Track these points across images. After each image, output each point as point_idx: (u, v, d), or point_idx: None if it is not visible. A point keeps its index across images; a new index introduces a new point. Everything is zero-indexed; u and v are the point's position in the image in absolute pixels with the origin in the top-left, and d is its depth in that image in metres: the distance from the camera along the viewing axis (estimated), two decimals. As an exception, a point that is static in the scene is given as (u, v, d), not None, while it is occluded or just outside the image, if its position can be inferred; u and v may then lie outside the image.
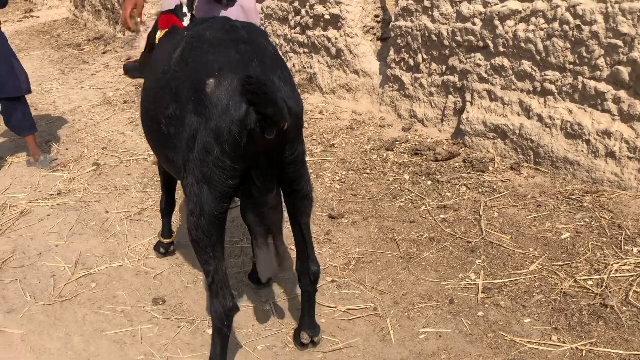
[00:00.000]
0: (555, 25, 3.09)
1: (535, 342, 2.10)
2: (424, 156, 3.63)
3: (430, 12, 3.79)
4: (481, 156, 3.50)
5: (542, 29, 3.16)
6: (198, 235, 1.79)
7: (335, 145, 4.00)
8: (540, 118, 3.26)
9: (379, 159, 3.71)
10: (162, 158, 2.11)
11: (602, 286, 2.32)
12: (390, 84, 4.30)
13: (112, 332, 2.39)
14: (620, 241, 2.57)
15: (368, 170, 3.58)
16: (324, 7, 4.68)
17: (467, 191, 3.18)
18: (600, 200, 2.89)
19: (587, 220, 2.76)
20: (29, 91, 4.16)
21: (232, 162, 1.66)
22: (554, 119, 3.19)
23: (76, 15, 11.45)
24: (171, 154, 1.91)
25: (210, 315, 1.93)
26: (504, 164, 3.39)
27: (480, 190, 3.17)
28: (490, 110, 3.54)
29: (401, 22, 4.03)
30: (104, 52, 8.31)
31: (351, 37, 4.57)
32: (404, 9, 3.98)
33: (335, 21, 4.63)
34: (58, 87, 6.59)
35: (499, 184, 3.21)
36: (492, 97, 3.53)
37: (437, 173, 3.42)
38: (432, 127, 4.01)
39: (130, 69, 2.82)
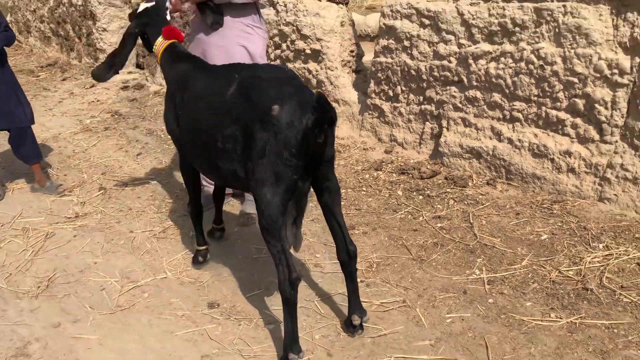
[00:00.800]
0: (522, 64, 3.75)
1: (539, 320, 2.66)
2: (410, 175, 4.19)
3: (409, 51, 4.39)
4: (460, 174, 4.10)
5: (510, 67, 3.82)
6: (269, 222, 2.31)
7: (328, 167, 4.47)
8: (510, 141, 3.90)
9: (371, 178, 4.23)
10: (211, 168, 2.66)
11: (581, 275, 2.93)
12: (371, 112, 4.85)
13: (181, 332, 2.74)
14: (588, 239, 3.21)
15: (365, 188, 4.09)
16: (305, 43, 5.19)
17: (455, 203, 3.75)
18: (566, 207, 3.54)
19: (559, 224, 3.39)
20: (34, 122, 4.39)
21: (297, 161, 2.25)
22: (522, 142, 3.84)
23: (20, 40, 11.34)
24: (224, 163, 2.50)
25: (280, 288, 2.35)
26: (480, 180, 4.00)
27: (465, 202, 3.75)
28: (465, 134, 4.16)
29: (382, 59, 4.61)
30: (64, 79, 8.41)
31: (332, 70, 5.10)
32: (385, 48, 4.55)
33: (316, 55, 5.14)
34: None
35: (480, 197, 3.81)
36: (467, 123, 4.15)
37: (426, 189, 3.97)
38: (411, 149, 4.59)
39: (100, 73, 3.14)
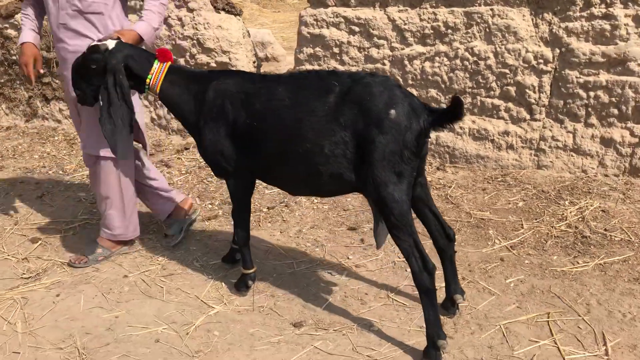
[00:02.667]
0: (457, 61, 4.31)
1: (574, 267, 3.21)
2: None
3: (339, 57, 4.64)
4: (410, 164, 4.51)
5: (445, 65, 4.35)
6: (399, 220, 2.46)
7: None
8: (451, 129, 4.44)
9: (332, 181, 4.38)
10: (301, 176, 2.67)
11: (572, 227, 3.58)
12: (295, 119, 4.96)
13: (295, 357, 2.63)
14: (553, 199, 3.90)
15: (333, 191, 4.24)
16: (209, 56, 5.06)
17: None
18: (516, 178, 4.21)
19: (522, 192, 4.03)
20: None
21: (416, 158, 2.47)
22: (463, 129, 4.41)
23: None
24: (327, 168, 2.56)
25: (417, 280, 2.49)
26: (430, 167, 4.47)
27: (434, 187, 4.17)
28: (405, 129, 4.58)
29: (308, 66, 4.77)
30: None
31: (243, 82, 5.06)
32: (310, 55, 4.72)
33: (223, 68, 5.05)
34: None
35: (440, 180, 4.28)
36: (404, 118, 4.58)
37: (389, 182, 4.29)
38: (346, 149, 4.85)
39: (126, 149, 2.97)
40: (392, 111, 2.39)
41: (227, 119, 2.75)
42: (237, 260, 3.36)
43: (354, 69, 4.60)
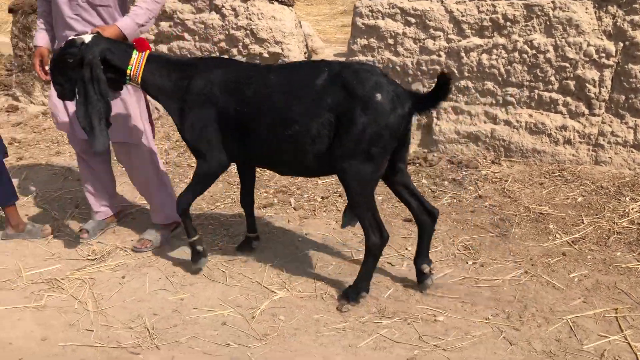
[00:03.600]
0: (515, 54, 4.26)
1: (639, 264, 3.16)
2: (418, 164, 4.45)
3: (393, 48, 4.63)
4: (463, 157, 4.48)
5: (503, 58, 4.30)
6: (365, 196, 2.68)
7: (332, 167, 4.51)
8: (507, 123, 4.40)
9: (385, 172, 4.38)
10: (286, 157, 2.80)
11: (635, 223, 3.52)
12: (346, 110, 4.97)
13: (363, 343, 2.65)
14: (613, 195, 3.84)
15: (387, 182, 4.24)
16: (262, 46, 5.09)
17: (483, 184, 4.12)
18: (573, 173, 4.15)
19: (580, 188, 3.98)
20: (7, 154, 3.66)
21: (394, 142, 2.63)
22: (519, 122, 4.36)
23: None
24: (313, 148, 2.70)
25: (372, 247, 2.75)
26: (485, 160, 4.44)
27: (490, 181, 4.15)
28: (459, 121, 4.56)
29: (361, 57, 4.77)
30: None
31: (294, 72, 5.08)
32: (364, 47, 4.72)
33: (275, 58, 5.08)
34: None
35: (496, 174, 4.24)
36: (459, 111, 4.55)
37: (443, 174, 4.28)
38: (398, 141, 4.84)
39: (102, 141, 2.88)
40: (378, 95, 2.54)
41: (216, 105, 2.82)
42: (254, 248, 3.44)
43: (408, 60, 4.59)
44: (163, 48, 5.46)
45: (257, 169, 3.45)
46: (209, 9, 5.20)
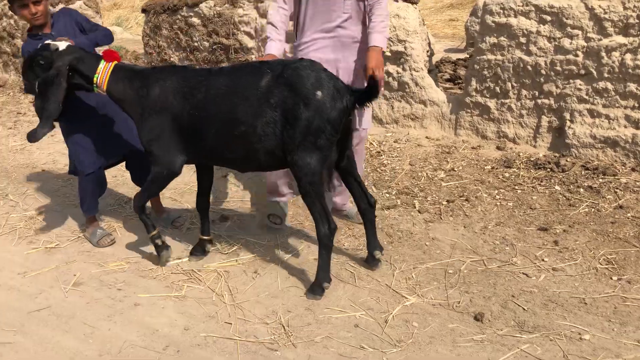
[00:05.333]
0: (665, 54, 3.93)
1: None
2: (549, 169, 4.23)
3: (525, 47, 4.42)
4: (599, 163, 4.21)
5: (650, 58, 3.99)
6: (313, 186, 2.85)
7: (455, 170, 4.40)
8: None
9: (513, 176, 4.21)
10: (238, 155, 2.98)
11: None
12: (469, 110, 4.83)
13: (510, 354, 2.55)
14: None
15: (516, 187, 4.07)
16: (384, 44, 5.03)
17: (624, 192, 3.85)
18: None
19: None
20: None
21: (337, 134, 2.82)
22: (665, 128, 4.03)
23: None
24: (261, 146, 2.88)
25: (321, 237, 2.93)
26: (624, 168, 4.14)
27: (632, 190, 3.86)
28: (595, 125, 4.28)
29: (489, 56, 4.60)
30: (31, 101, 7.43)
31: (417, 71, 5.00)
32: (493, 45, 4.55)
33: (396, 57, 5.02)
34: (29, 144, 5.83)
35: (638, 183, 3.94)
36: (595, 114, 4.28)
37: (577, 181, 4.04)
38: (525, 144, 4.64)
39: (33, 133, 3.14)
40: (319, 92, 2.73)
41: (172, 111, 3.00)
42: (207, 251, 3.51)
43: (541, 60, 4.37)
44: (286, 46, 5.54)
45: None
46: (332, 8, 5.21)
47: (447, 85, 6.84)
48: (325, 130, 2.76)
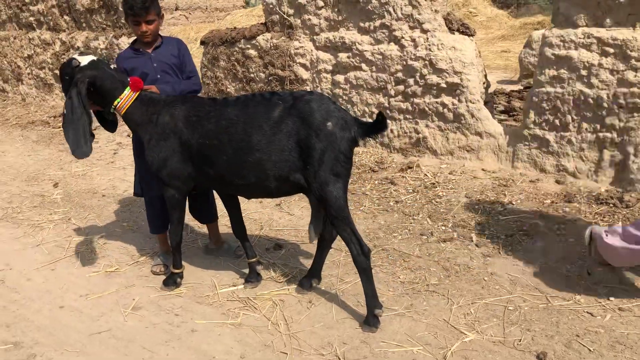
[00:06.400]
0: None
1: None
2: (611, 204, 4.10)
3: (586, 80, 4.34)
4: (666, 200, 4.05)
5: None
6: (338, 212, 2.92)
7: (513, 203, 4.31)
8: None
9: (574, 211, 4.09)
10: (261, 178, 3.04)
11: None
12: (527, 143, 4.74)
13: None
14: None
15: (577, 222, 3.94)
16: (439, 77, 5.04)
17: (693, 231, 3.67)
18: None
19: None
20: None
21: (350, 162, 2.95)
22: None
23: (5, 90, 10.42)
24: (274, 172, 2.99)
25: (357, 261, 2.95)
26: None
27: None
28: (661, 160, 4.13)
29: (548, 89, 4.53)
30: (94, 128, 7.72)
31: (473, 103, 4.97)
32: (553, 78, 4.48)
33: (452, 89, 5.00)
34: (91, 169, 6.05)
35: None
36: (661, 148, 4.13)
37: (643, 218, 3.88)
38: (585, 178, 4.51)
39: (83, 150, 3.15)
40: (329, 123, 2.87)
41: (180, 138, 3.14)
42: (259, 274, 3.60)
43: (603, 92, 4.28)
44: (340, 78, 5.63)
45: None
46: (387, 40, 5.27)
47: (502, 117, 6.77)
48: (339, 159, 2.88)
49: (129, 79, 3.29)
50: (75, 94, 3.09)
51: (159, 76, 3.52)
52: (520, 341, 2.86)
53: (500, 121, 6.29)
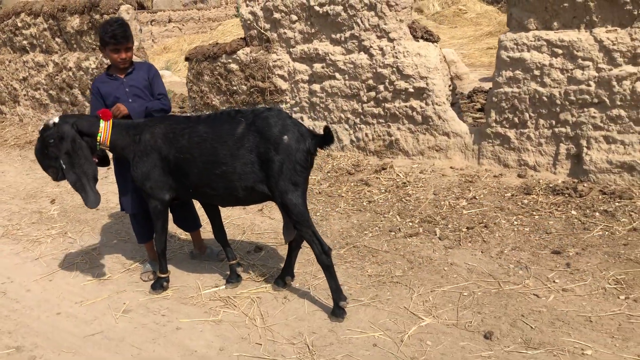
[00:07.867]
0: (673, 81, 4.09)
1: None
2: (566, 194, 4.40)
3: (539, 79, 4.65)
4: (616, 188, 4.35)
5: (659, 85, 4.15)
6: (299, 217, 3.23)
7: (477, 198, 4.62)
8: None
9: (531, 203, 4.40)
10: (220, 192, 3.38)
11: None
12: (491, 140, 5.05)
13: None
14: None
15: (534, 213, 4.25)
16: (407, 82, 5.35)
17: (638, 216, 3.98)
18: None
19: None
20: None
21: (307, 171, 3.24)
22: (680, 151, 4.15)
23: (3, 112, 10.76)
24: (240, 183, 3.29)
25: (319, 260, 3.25)
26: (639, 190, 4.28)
27: (647, 213, 4.00)
28: (611, 151, 4.44)
29: (506, 89, 4.84)
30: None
31: (439, 105, 5.28)
32: (509, 78, 4.80)
33: (419, 93, 5.31)
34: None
35: (654, 206, 4.07)
36: (610, 140, 4.44)
37: (594, 205, 4.19)
38: (545, 171, 4.82)
39: (93, 199, 3.50)
40: (285, 137, 3.16)
41: (160, 154, 3.47)
42: (239, 275, 3.90)
43: (555, 91, 4.59)
44: (316, 87, 5.95)
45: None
46: (357, 50, 5.59)
47: (478, 115, 7.06)
48: (296, 169, 3.16)
49: (97, 113, 3.57)
50: (72, 148, 3.37)
51: (130, 100, 3.83)
52: (471, 323, 3.17)
53: (475, 119, 6.61)
